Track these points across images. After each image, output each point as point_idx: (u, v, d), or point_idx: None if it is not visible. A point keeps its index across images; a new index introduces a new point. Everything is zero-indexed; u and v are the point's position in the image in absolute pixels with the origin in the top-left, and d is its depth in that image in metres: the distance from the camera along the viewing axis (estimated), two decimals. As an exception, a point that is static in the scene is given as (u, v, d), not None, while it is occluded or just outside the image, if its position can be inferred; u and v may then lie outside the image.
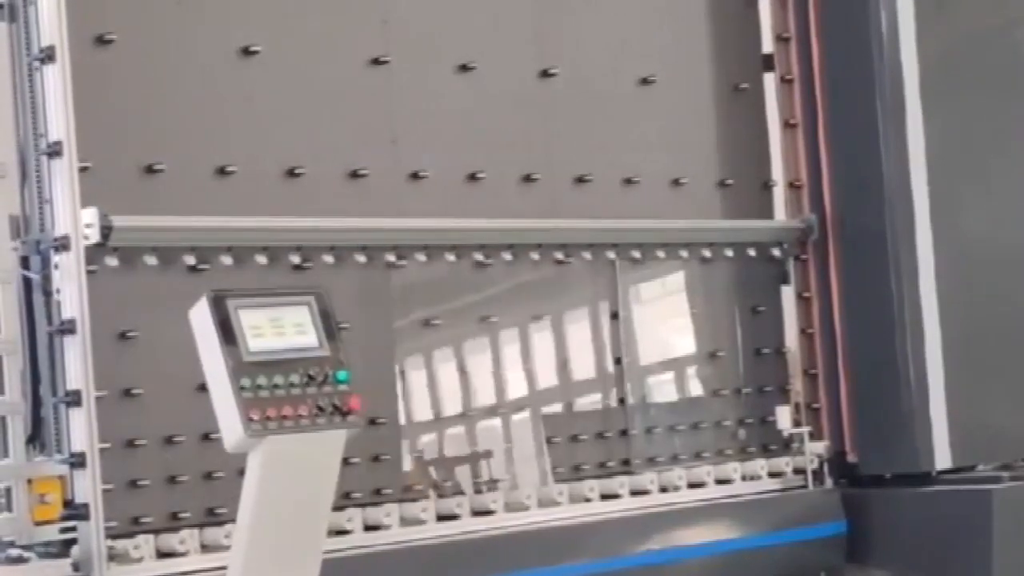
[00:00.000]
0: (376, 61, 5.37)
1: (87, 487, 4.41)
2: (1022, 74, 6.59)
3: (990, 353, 6.34)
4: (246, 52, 5.06)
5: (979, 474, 6.26)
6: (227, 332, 4.01)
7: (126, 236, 4.62)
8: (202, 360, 4.04)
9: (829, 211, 6.37)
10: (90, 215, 4.51)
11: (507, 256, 5.60)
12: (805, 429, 6.23)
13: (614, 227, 5.89)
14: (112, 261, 4.66)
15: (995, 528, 5.86)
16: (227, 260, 4.88)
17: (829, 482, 6.31)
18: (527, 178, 5.72)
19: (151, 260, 4.75)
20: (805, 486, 6.23)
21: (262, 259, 4.96)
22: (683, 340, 6.18)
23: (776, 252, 6.37)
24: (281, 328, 4.12)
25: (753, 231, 6.33)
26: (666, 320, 6.19)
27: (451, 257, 5.47)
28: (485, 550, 5.26)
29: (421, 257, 5.37)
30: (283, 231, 5.03)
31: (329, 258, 5.13)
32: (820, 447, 6.28)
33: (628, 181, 6.02)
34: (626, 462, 5.90)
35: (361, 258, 5.23)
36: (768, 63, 6.47)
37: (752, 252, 6.28)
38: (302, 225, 5.07)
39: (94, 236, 4.52)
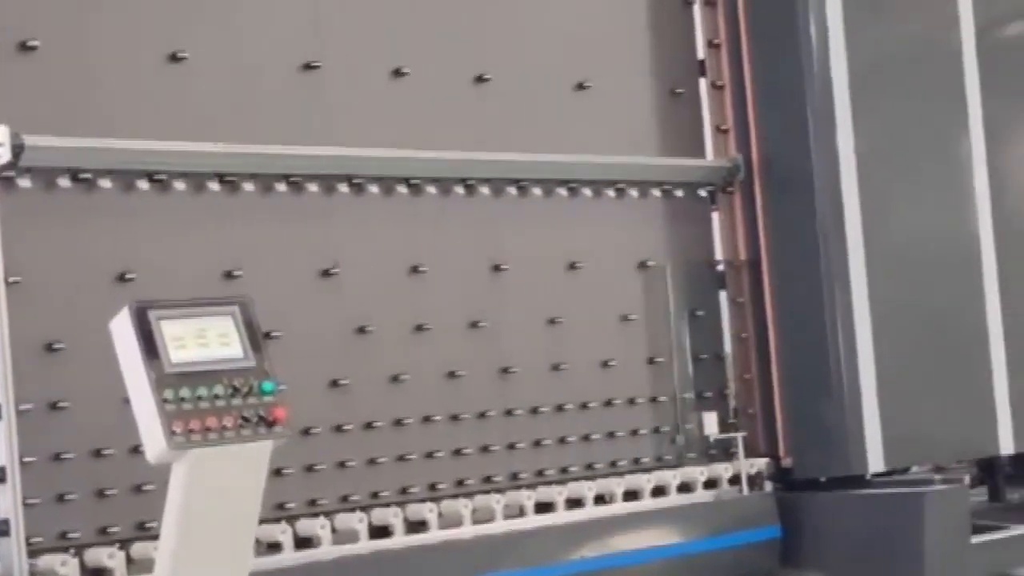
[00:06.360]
0: (308, 66, 5.35)
1: (7, 502, 4.35)
2: (950, 78, 6.65)
3: (922, 356, 6.39)
4: (173, 58, 5.03)
5: (912, 477, 6.32)
6: (149, 344, 3.97)
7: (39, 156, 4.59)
8: (123, 372, 4.00)
9: (761, 215, 6.41)
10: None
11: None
12: (740, 435, 6.26)
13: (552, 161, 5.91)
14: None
15: (927, 530, 5.90)
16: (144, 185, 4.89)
17: (768, 486, 6.34)
18: (463, 182, 5.72)
19: (65, 183, 4.72)
20: (740, 491, 6.25)
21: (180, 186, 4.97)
22: (625, 349, 6.17)
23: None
24: (205, 339, 4.09)
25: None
26: (604, 328, 6.17)
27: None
28: (418, 561, 5.25)
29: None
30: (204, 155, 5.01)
31: (250, 186, 5.12)
32: (761, 463, 6.32)
33: (567, 187, 6.02)
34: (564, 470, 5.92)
35: (282, 187, 5.21)
36: (703, 68, 6.51)
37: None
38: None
39: (5, 155, 4.48)
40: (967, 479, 6.37)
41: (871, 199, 6.27)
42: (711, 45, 6.51)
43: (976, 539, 6.25)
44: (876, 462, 6.17)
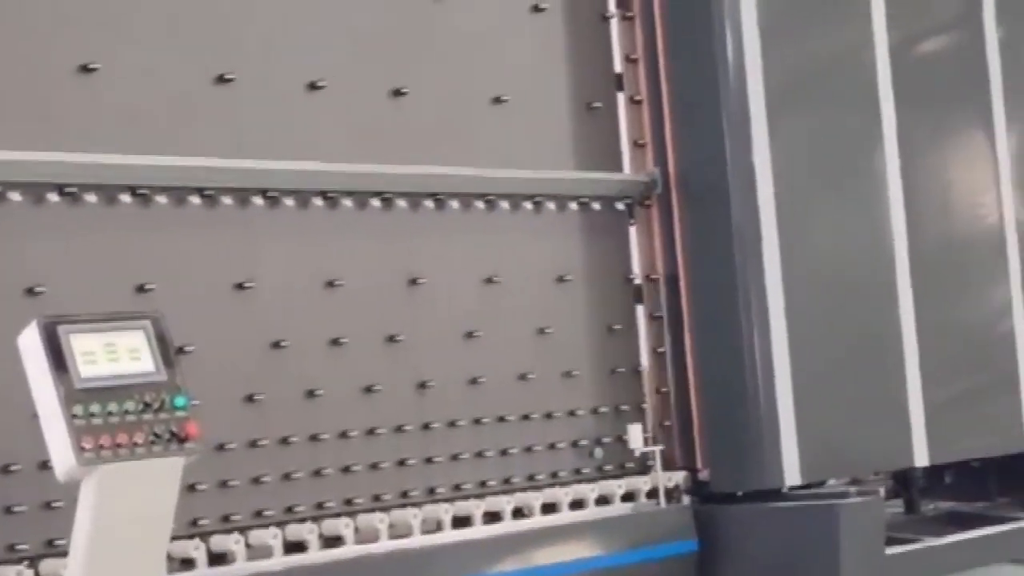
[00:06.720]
0: (222, 78, 5.30)
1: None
2: (865, 94, 6.72)
3: (838, 369, 6.44)
4: (85, 69, 4.96)
5: (828, 490, 6.36)
6: (58, 359, 3.92)
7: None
8: (32, 388, 3.95)
9: (678, 229, 6.44)
10: None
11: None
12: (658, 448, 6.28)
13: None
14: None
15: (842, 543, 5.93)
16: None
17: (686, 500, 6.35)
18: (379, 195, 5.70)
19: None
20: (658, 504, 6.26)
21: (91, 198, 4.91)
22: (542, 363, 6.17)
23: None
24: (115, 354, 4.05)
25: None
26: (521, 342, 6.16)
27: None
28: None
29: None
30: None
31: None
32: (679, 477, 6.33)
33: (484, 200, 6.02)
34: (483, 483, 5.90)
35: (195, 200, 5.16)
36: (620, 83, 6.53)
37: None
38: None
39: None
40: (882, 491, 6.41)
41: (787, 213, 6.31)
42: (628, 59, 6.54)
43: (891, 551, 6.31)
44: (792, 475, 6.20)
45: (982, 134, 7.34)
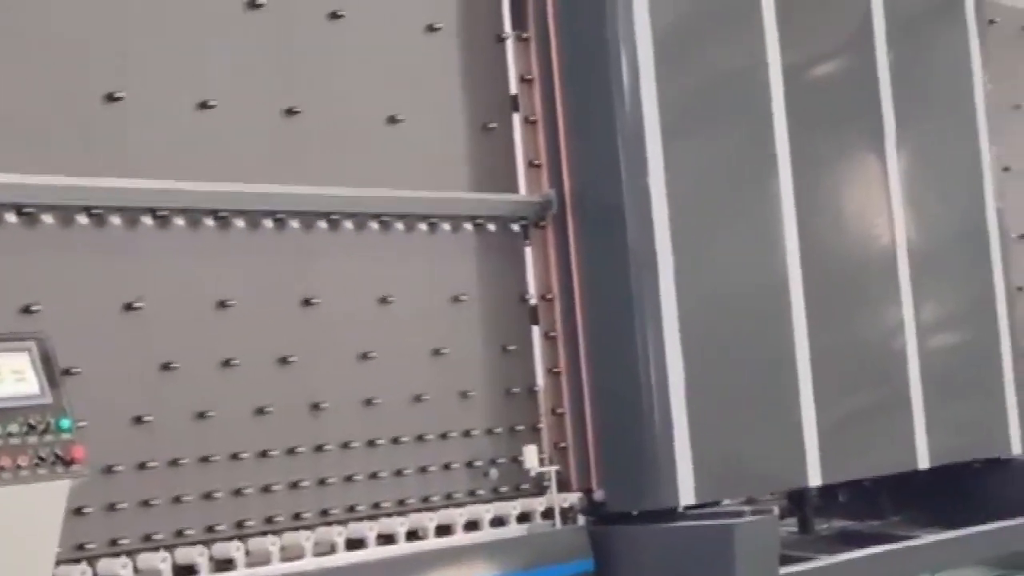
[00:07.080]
0: (111, 97, 5.23)
1: None
2: (759, 117, 6.78)
3: (733, 389, 6.47)
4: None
5: (723, 509, 6.38)
6: (-61, 380, 3.87)
7: None
8: (-88, 410, 3.88)
9: (573, 249, 6.43)
10: None
11: None
12: (553, 468, 6.27)
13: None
14: None
15: (737, 562, 5.95)
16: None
17: (581, 520, 6.35)
18: (272, 215, 5.65)
19: None
20: (553, 525, 6.25)
21: None
22: (437, 383, 6.14)
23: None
24: (-3, 375, 3.99)
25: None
26: (416, 363, 6.13)
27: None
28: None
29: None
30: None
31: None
32: (574, 497, 6.32)
33: (379, 220, 5.99)
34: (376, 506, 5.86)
35: (83, 219, 5.09)
36: (515, 103, 6.54)
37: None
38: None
39: None
40: (776, 511, 6.46)
41: (682, 234, 6.34)
42: (524, 80, 6.54)
43: (784, 570, 6.33)
44: (687, 495, 6.22)
45: (874, 156, 7.44)
